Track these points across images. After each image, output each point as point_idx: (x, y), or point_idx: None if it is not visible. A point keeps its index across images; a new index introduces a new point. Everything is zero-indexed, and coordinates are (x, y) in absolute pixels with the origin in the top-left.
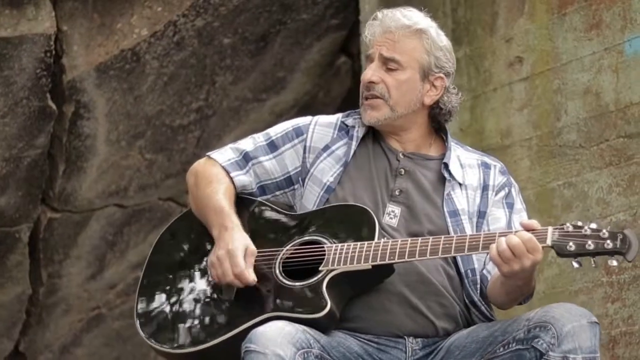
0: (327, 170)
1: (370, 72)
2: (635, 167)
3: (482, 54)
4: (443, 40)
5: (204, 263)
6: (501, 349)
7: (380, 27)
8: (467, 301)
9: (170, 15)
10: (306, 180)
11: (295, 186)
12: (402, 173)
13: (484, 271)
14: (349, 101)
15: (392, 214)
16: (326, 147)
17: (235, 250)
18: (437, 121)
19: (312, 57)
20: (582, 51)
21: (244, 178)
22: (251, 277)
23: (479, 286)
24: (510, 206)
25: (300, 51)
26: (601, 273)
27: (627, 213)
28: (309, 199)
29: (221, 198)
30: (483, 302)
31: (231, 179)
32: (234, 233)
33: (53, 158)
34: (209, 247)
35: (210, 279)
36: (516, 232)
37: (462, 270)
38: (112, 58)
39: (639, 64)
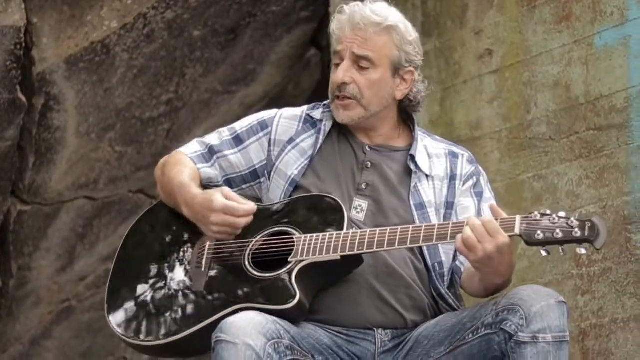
0: (291, 163)
1: (342, 74)
2: (605, 159)
3: (452, 47)
4: (412, 33)
5: (175, 254)
6: (470, 335)
7: (349, 23)
8: (434, 294)
9: (140, 7)
10: (272, 173)
11: (262, 179)
12: (369, 166)
13: (457, 262)
14: (318, 93)
15: (360, 208)
16: (291, 140)
17: (219, 203)
18: (406, 112)
19: (282, 49)
20: (552, 44)
21: (209, 170)
22: (252, 205)
23: (446, 279)
24: (479, 195)
25: (270, 43)
26: (571, 265)
27: (597, 205)
28: (275, 192)
29: (185, 177)
30: (450, 295)
31: (197, 170)
32: (201, 197)
33: (23, 150)
34: (179, 238)
35: (181, 270)
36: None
37: (430, 264)
38: (82, 50)
39: (609, 56)
